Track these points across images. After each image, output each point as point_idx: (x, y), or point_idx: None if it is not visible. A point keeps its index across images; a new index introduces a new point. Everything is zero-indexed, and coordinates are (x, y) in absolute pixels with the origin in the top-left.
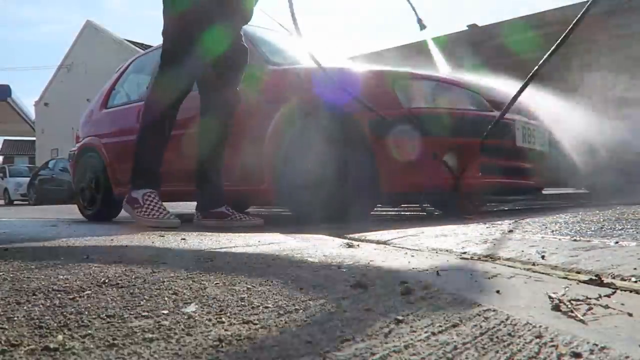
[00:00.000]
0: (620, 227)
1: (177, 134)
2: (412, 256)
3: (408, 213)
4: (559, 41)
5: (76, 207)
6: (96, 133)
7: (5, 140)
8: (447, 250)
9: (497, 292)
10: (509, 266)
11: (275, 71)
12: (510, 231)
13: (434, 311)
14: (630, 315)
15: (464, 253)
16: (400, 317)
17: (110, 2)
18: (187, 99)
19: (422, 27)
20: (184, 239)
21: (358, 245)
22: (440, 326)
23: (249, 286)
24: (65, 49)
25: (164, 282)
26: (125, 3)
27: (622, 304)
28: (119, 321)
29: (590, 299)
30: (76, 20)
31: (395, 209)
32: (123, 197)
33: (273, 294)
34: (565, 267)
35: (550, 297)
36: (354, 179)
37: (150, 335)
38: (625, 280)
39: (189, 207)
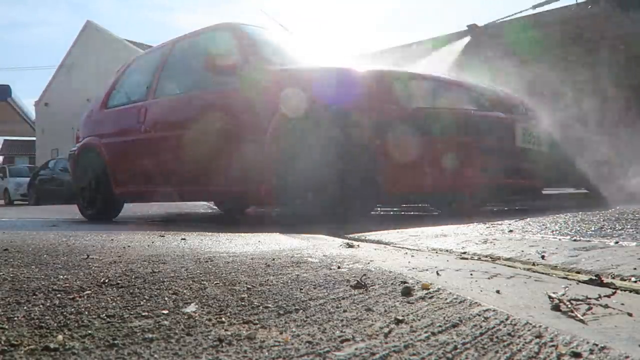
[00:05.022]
0: (620, 227)
1: (176, 134)
2: (412, 256)
3: (408, 213)
4: None
5: (76, 207)
6: (96, 133)
7: (5, 140)
8: (447, 250)
9: (497, 292)
10: (509, 266)
11: (276, 71)
12: (510, 231)
13: (434, 311)
14: (630, 315)
15: (464, 253)
16: (400, 317)
17: (98, 3)
18: (186, 99)
19: None
20: (184, 239)
21: (358, 246)
22: (440, 326)
23: (249, 286)
24: (65, 49)
25: (164, 282)
26: (114, 4)
27: (622, 304)
28: (119, 321)
29: (590, 299)
30: (66, 21)
31: (395, 208)
32: (123, 197)
33: (273, 294)
34: (565, 267)
35: (550, 297)
36: (354, 179)
37: (150, 335)
38: (625, 280)
39: (187, 207)
